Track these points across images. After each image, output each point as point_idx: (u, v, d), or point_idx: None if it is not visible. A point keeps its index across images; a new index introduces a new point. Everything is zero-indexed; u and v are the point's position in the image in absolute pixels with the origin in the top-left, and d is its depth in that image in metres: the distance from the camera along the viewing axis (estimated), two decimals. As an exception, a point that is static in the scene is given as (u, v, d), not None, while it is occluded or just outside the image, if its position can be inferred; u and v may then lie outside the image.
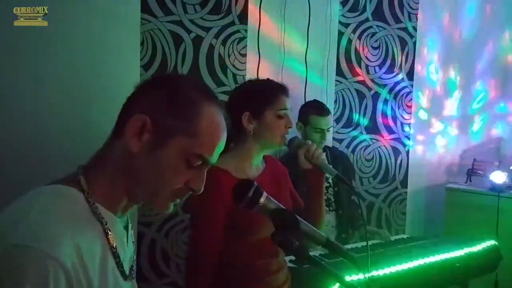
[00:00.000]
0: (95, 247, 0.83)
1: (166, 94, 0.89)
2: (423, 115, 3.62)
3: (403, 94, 3.40)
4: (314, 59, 2.92)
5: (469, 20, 3.76)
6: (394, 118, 3.38)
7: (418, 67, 3.47)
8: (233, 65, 2.60)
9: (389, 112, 3.35)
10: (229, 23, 2.57)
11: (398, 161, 3.43)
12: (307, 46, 2.85)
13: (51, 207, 0.80)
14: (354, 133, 3.21)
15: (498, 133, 3.93)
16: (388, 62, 3.30)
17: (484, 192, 3.38)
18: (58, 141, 1.92)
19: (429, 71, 3.62)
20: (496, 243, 2.50)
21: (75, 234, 0.78)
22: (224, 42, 2.56)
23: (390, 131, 3.37)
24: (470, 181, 3.58)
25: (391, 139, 3.38)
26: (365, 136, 3.26)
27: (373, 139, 3.30)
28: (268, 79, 1.70)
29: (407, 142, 3.46)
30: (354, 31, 3.12)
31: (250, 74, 2.60)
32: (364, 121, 3.24)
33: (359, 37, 3.14)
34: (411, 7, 3.35)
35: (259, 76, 2.52)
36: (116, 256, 0.87)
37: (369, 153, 3.29)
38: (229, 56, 2.58)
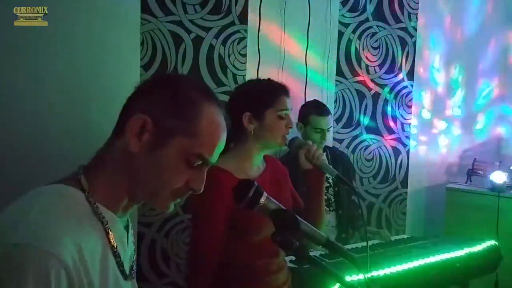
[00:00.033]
0: (96, 246, 0.83)
1: (166, 94, 0.89)
2: (424, 115, 3.62)
3: (403, 94, 3.40)
4: (314, 59, 2.92)
5: (471, 18, 3.76)
6: (394, 118, 3.38)
7: (419, 67, 3.47)
8: (233, 65, 2.60)
9: (389, 112, 3.35)
10: (229, 23, 2.57)
11: (398, 161, 3.43)
12: (307, 46, 2.85)
13: (51, 207, 0.80)
14: (354, 133, 3.21)
15: (498, 133, 3.93)
16: (388, 62, 3.29)
17: (484, 192, 3.39)
18: (58, 141, 1.92)
19: (430, 71, 3.62)
20: (496, 243, 2.50)
21: (76, 234, 0.78)
22: (224, 42, 2.56)
23: (390, 131, 3.37)
24: (470, 181, 3.58)
25: (391, 139, 3.38)
26: (365, 136, 3.26)
27: (373, 139, 3.29)
28: (269, 79, 1.70)
29: (407, 142, 3.46)
30: (354, 31, 3.12)
31: (250, 74, 2.60)
32: (364, 121, 3.24)
33: (359, 37, 3.14)
34: (411, 7, 3.35)
35: (259, 76, 2.52)
36: (116, 255, 0.87)
37: (369, 153, 3.29)
38: (229, 56, 2.58)
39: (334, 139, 3.09)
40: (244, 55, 2.64)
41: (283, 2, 2.73)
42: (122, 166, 0.87)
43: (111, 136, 0.91)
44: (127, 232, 0.95)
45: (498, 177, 3.35)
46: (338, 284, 1.72)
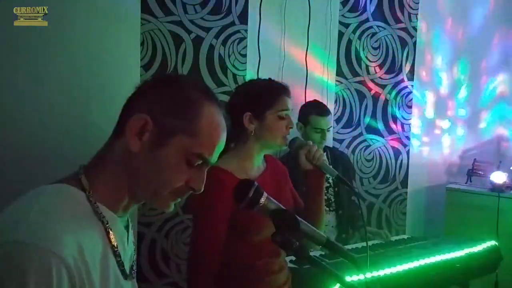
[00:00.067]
0: (96, 246, 0.83)
1: (166, 94, 0.89)
2: (424, 115, 3.62)
3: (403, 95, 3.40)
4: (314, 59, 2.92)
5: (472, 18, 3.76)
6: (395, 119, 3.38)
7: (419, 67, 3.47)
8: (233, 66, 2.60)
9: (389, 113, 3.35)
10: (229, 24, 2.57)
11: (399, 162, 3.43)
12: (307, 46, 2.85)
13: (51, 207, 0.80)
14: (355, 133, 3.21)
15: (499, 134, 3.93)
16: (389, 62, 3.30)
17: (484, 193, 3.39)
18: (58, 141, 1.92)
19: (430, 71, 3.62)
20: (496, 243, 2.50)
21: (77, 233, 0.78)
22: (224, 43, 2.56)
23: (391, 131, 3.37)
24: (471, 181, 3.58)
25: (391, 140, 3.38)
26: (365, 136, 3.25)
27: (373, 139, 3.29)
28: (270, 79, 1.69)
29: (407, 142, 3.46)
30: (354, 31, 3.12)
31: (250, 75, 2.60)
32: (365, 122, 3.24)
33: (360, 37, 3.14)
34: (411, 7, 3.35)
35: (259, 76, 2.52)
36: (117, 255, 0.87)
37: (369, 154, 3.29)
38: (229, 56, 2.58)
39: (334, 139, 3.09)
40: (244, 55, 2.64)
41: (283, 2, 2.73)
42: (122, 166, 0.87)
43: (111, 136, 0.91)
44: (127, 232, 0.95)
45: (498, 177, 3.35)
46: (338, 285, 1.72)
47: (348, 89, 3.14)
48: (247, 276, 1.58)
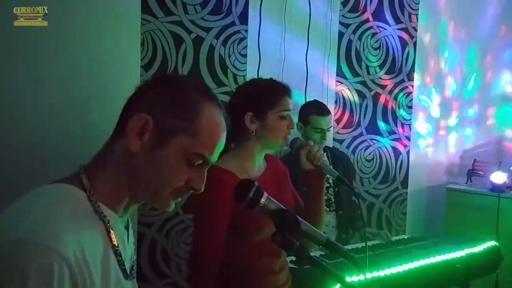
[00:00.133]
0: (97, 245, 0.83)
1: (166, 94, 0.90)
2: (424, 116, 3.62)
3: (403, 95, 3.40)
4: (314, 59, 2.92)
5: (475, 16, 3.76)
6: (395, 119, 3.38)
7: (419, 68, 3.47)
8: (234, 66, 2.60)
9: (389, 113, 3.35)
10: (230, 24, 2.57)
11: (399, 162, 3.43)
12: (308, 47, 2.85)
13: (52, 206, 0.80)
14: (355, 133, 3.21)
15: (499, 134, 3.93)
16: (389, 62, 3.29)
17: (485, 193, 3.39)
18: (58, 141, 1.92)
19: (430, 71, 3.61)
20: (497, 243, 2.49)
21: (77, 232, 0.78)
22: (224, 43, 2.56)
23: (391, 131, 3.37)
24: (471, 181, 3.58)
25: (391, 140, 3.38)
26: (365, 137, 3.25)
27: (373, 139, 3.29)
28: (271, 79, 1.69)
29: (407, 142, 3.46)
30: (354, 32, 3.12)
31: (251, 75, 2.60)
32: (365, 122, 3.24)
33: (360, 38, 3.14)
34: (411, 8, 3.35)
35: (259, 76, 2.52)
36: (118, 254, 0.87)
37: (369, 154, 3.28)
38: (229, 56, 2.58)
39: (334, 139, 3.09)
40: (245, 56, 2.64)
41: (283, 2, 2.73)
42: (123, 166, 0.87)
43: (111, 136, 0.91)
44: (127, 232, 0.95)
45: (498, 177, 3.35)
46: (338, 285, 1.72)
47: (348, 89, 3.14)
48: (247, 276, 1.58)
